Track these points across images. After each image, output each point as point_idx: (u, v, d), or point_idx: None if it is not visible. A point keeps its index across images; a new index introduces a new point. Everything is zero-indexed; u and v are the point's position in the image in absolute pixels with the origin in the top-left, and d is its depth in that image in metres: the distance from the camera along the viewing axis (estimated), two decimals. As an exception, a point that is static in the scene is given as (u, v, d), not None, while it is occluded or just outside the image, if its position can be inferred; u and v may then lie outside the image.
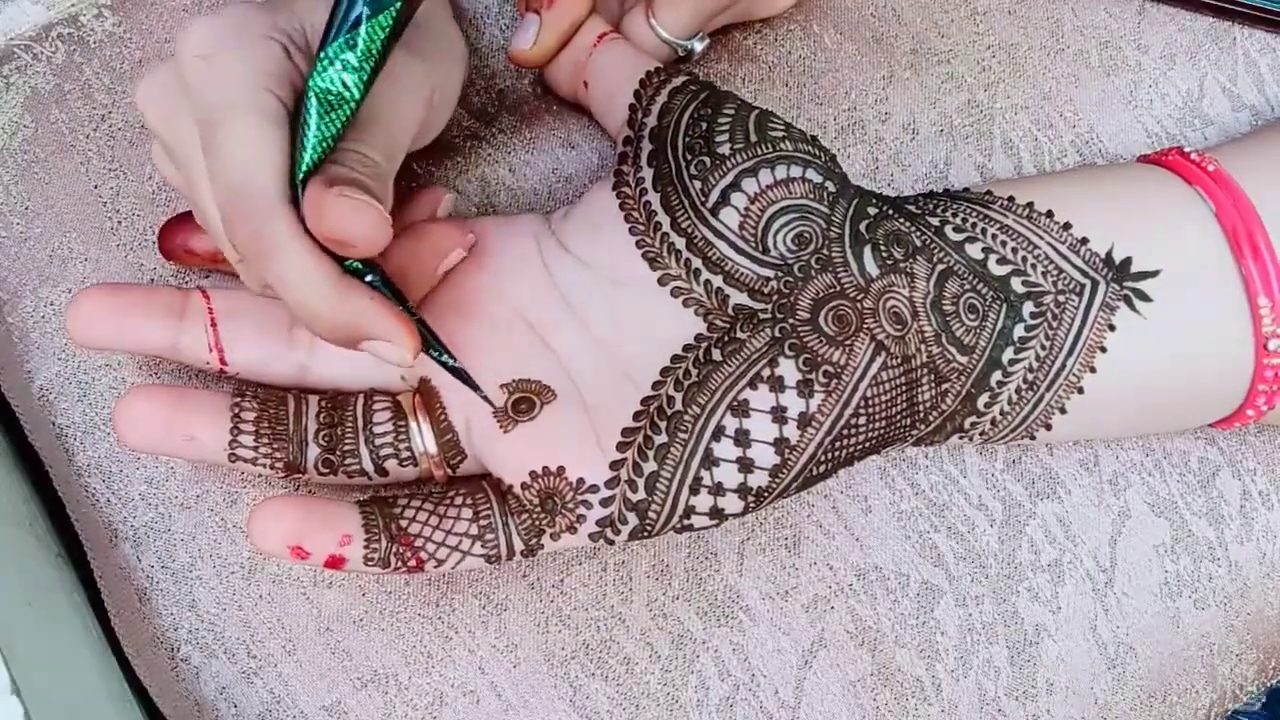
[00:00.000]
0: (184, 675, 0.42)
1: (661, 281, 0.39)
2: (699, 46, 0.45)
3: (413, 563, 0.37)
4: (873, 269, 0.39)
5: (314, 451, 0.39)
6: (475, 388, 0.37)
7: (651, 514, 0.38)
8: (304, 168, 0.33)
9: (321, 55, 0.33)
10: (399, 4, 0.33)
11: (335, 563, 0.37)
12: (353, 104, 0.33)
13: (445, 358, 0.36)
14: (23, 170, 0.45)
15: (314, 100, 0.33)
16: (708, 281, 0.39)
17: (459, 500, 0.38)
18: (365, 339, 0.35)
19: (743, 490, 0.37)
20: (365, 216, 0.33)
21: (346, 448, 0.39)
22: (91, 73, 0.46)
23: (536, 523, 0.38)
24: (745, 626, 0.42)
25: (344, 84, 0.33)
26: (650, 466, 0.37)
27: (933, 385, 0.39)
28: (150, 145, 0.45)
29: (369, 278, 0.35)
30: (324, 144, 0.33)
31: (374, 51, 0.33)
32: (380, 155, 0.35)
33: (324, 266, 0.33)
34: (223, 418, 0.39)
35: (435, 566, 0.38)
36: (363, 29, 0.33)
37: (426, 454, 0.39)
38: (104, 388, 0.43)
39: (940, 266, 0.39)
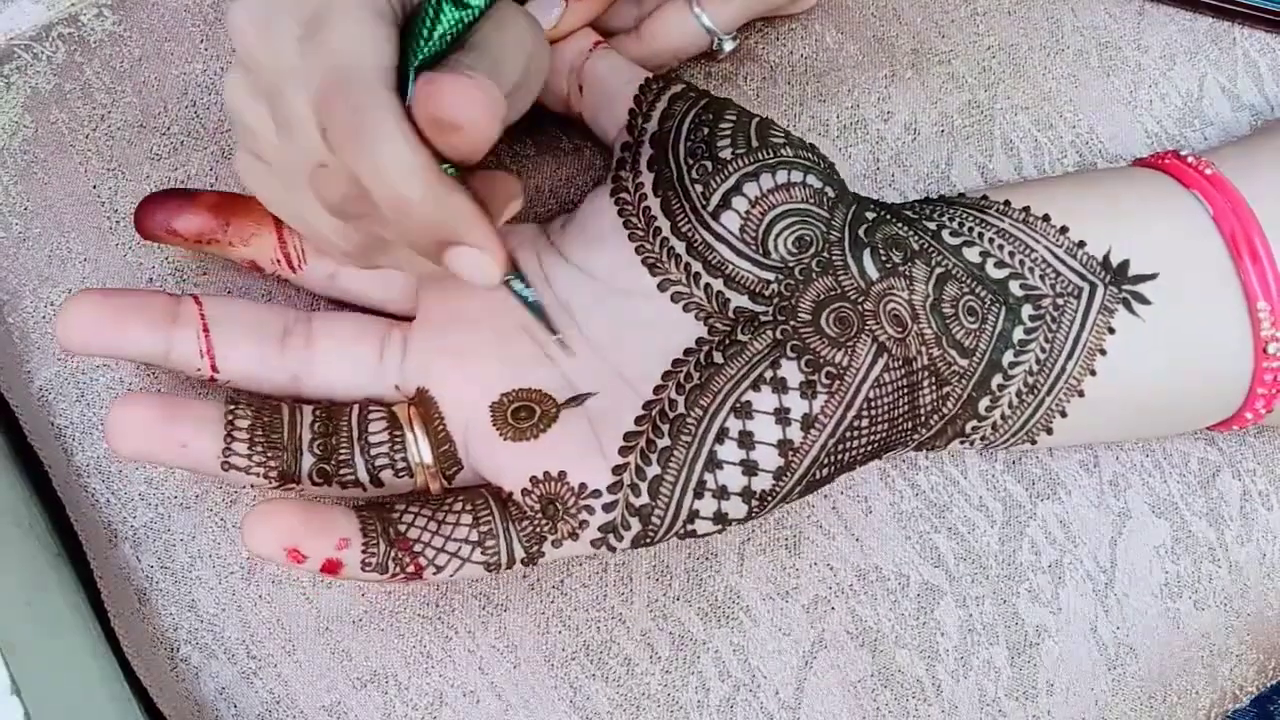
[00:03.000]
0: (184, 675, 0.42)
1: (661, 287, 0.39)
2: (729, 45, 0.45)
3: (411, 568, 0.37)
4: (872, 272, 0.39)
5: (308, 461, 0.39)
6: (552, 326, 0.37)
7: (655, 519, 0.37)
8: (420, 56, 0.33)
9: None
10: None
11: (332, 567, 0.37)
12: (476, 10, 0.33)
13: (526, 290, 0.36)
14: (22, 170, 0.45)
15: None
16: (708, 285, 0.39)
17: (458, 506, 0.38)
18: (455, 243, 0.33)
19: (746, 494, 0.37)
20: (482, 97, 0.31)
21: (341, 457, 0.39)
22: (91, 72, 0.46)
23: (538, 529, 0.38)
24: (746, 627, 0.42)
25: None
26: (653, 470, 0.37)
27: (934, 388, 0.39)
28: (148, 143, 0.45)
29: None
30: (440, 41, 0.33)
31: None
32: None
33: (424, 155, 0.32)
34: (216, 425, 0.38)
35: (434, 573, 0.38)
36: None
37: (422, 465, 0.39)
38: (102, 388, 0.43)
39: (939, 270, 0.39)
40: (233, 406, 0.39)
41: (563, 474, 0.38)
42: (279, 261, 0.42)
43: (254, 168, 0.38)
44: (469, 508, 0.38)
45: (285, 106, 0.34)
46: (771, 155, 0.40)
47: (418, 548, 0.37)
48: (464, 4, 0.33)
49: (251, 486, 0.42)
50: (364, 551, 0.37)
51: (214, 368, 0.40)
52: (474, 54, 0.34)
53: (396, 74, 0.33)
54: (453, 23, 0.33)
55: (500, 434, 0.38)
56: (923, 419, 0.39)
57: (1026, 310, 0.40)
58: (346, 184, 0.34)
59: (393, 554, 0.37)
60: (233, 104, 0.37)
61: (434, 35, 0.33)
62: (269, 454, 0.38)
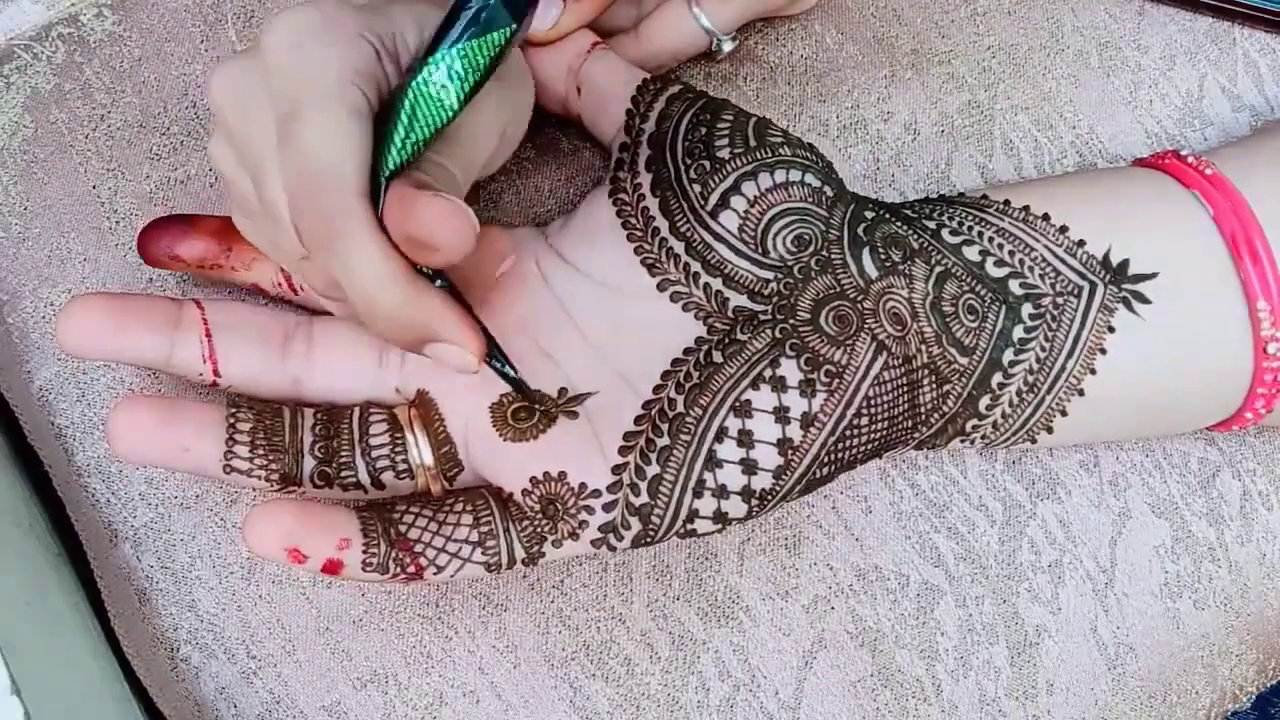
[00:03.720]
0: (184, 675, 0.42)
1: (661, 287, 0.39)
2: (728, 46, 0.45)
3: (411, 569, 0.37)
4: (871, 270, 0.39)
5: (310, 463, 0.39)
6: (532, 398, 0.36)
7: (654, 518, 0.37)
8: (391, 166, 0.33)
9: (432, 59, 0.33)
10: (514, 26, 0.33)
11: (333, 567, 0.37)
12: (450, 114, 0.33)
13: (506, 368, 0.36)
14: (22, 170, 0.45)
15: (412, 102, 0.33)
16: (707, 285, 0.39)
17: (459, 507, 0.38)
18: (432, 341, 0.34)
19: (746, 493, 0.37)
20: (458, 222, 0.32)
21: (342, 460, 0.39)
22: (91, 72, 0.46)
23: (538, 529, 0.38)
24: (745, 627, 0.42)
25: (446, 92, 0.33)
26: (653, 469, 0.37)
27: (934, 386, 0.39)
28: (148, 143, 0.45)
29: (438, 282, 0.34)
30: (414, 147, 0.33)
31: (481, 67, 0.33)
32: (459, 172, 0.35)
33: (398, 263, 0.33)
34: (218, 428, 0.38)
35: (435, 573, 0.38)
36: (475, 43, 0.33)
37: (423, 466, 0.39)
38: (103, 388, 0.43)
39: (938, 268, 0.40)
40: (234, 410, 0.39)
41: (563, 474, 0.38)
42: (280, 284, 0.42)
43: (248, 226, 0.39)
44: (469, 508, 0.38)
45: (267, 193, 0.35)
46: (769, 154, 0.40)
47: (418, 548, 0.37)
48: (439, 102, 0.33)
49: (253, 489, 0.42)
50: (365, 551, 0.37)
51: (216, 372, 0.40)
52: (446, 144, 0.35)
53: (371, 172, 0.33)
54: (428, 128, 0.33)
55: (500, 434, 0.39)
56: (923, 417, 0.39)
57: (1026, 309, 0.40)
58: (328, 276, 0.35)
59: (393, 554, 0.37)
60: (219, 166, 0.38)
61: (407, 144, 0.33)
62: (271, 457, 0.38)
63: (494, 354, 0.36)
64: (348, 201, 0.32)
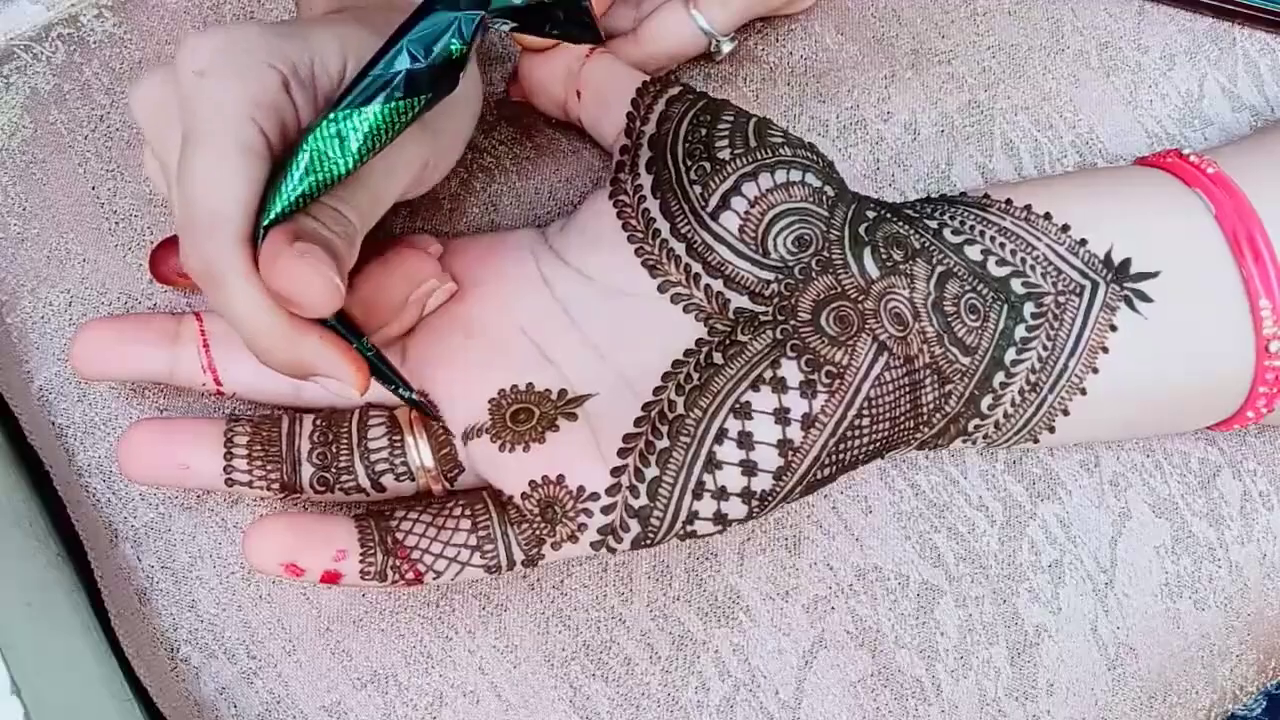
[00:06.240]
0: (184, 675, 0.42)
1: (661, 288, 0.39)
2: (727, 47, 0.45)
3: (410, 575, 0.38)
4: (873, 270, 0.39)
5: (308, 470, 0.39)
6: (436, 418, 0.36)
7: (654, 520, 0.37)
8: (271, 215, 0.33)
9: (330, 116, 0.32)
10: (428, 96, 0.32)
11: (331, 578, 0.37)
12: (345, 170, 0.33)
13: (401, 391, 0.36)
14: (21, 171, 0.45)
15: (305, 155, 0.32)
16: (708, 286, 0.39)
17: (457, 511, 0.38)
18: (314, 374, 0.34)
19: (746, 494, 0.37)
20: (318, 283, 0.32)
21: (341, 464, 0.39)
22: (91, 73, 0.46)
23: (537, 532, 0.38)
24: (745, 627, 0.42)
25: (340, 151, 0.32)
26: (652, 471, 0.37)
27: (936, 386, 0.39)
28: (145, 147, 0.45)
29: None
30: (300, 200, 0.33)
31: (383, 131, 0.32)
32: (356, 216, 0.35)
33: (272, 308, 0.33)
34: (216, 443, 0.39)
35: (434, 578, 0.38)
36: (381, 108, 0.32)
37: (423, 468, 0.39)
38: (103, 388, 0.43)
39: (940, 268, 0.39)
40: (232, 423, 0.40)
41: (561, 477, 0.38)
42: None
43: None
44: (468, 513, 0.38)
45: (175, 210, 0.35)
46: (770, 155, 0.40)
47: (415, 554, 0.38)
48: (334, 159, 0.32)
49: (257, 497, 0.42)
50: (362, 561, 0.37)
51: (217, 381, 0.40)
52: (346, 187, 0.34)
53: (258, 216, 0.33)
54: (319, 182, 0.33)
55: (499, 437, 0.38)
56: (925, 418, 0.39)
57: (1028, 308, 0.40)
58: None
59: (391, 562, 0.37)
60: (149, 176, 0.38)
61: (295, 195, 0.33)
62: (268, 467, 0.39)
63: (389, 379, 0.36)
64: (225, 246, 0.32)
